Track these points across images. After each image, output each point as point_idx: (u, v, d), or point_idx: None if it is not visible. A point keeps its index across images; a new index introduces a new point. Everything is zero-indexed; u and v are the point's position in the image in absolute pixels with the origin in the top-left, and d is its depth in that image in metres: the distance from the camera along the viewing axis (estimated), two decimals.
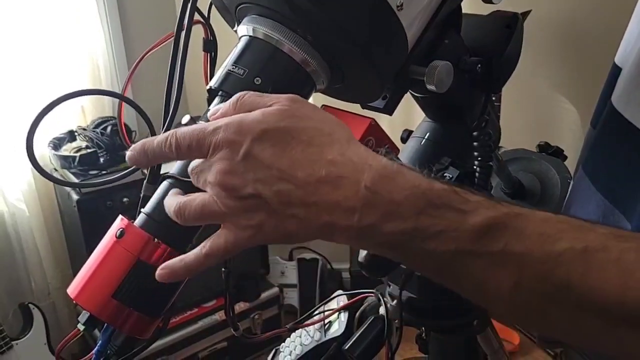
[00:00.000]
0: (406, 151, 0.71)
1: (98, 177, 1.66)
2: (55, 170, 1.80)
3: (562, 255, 0.35)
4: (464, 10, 0.61)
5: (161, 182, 0.48)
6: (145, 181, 0.52)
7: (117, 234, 0.45)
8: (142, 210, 0.48)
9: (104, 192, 1.67)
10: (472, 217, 0.37)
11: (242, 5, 0.50)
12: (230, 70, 0.48)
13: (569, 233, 0.36)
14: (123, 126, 0.55)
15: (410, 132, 0.73)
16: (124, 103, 0.52)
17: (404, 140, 0.73)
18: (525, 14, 1.96)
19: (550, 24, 2.06)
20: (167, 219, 0.47)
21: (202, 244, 0.43)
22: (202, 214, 0.41)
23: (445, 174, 0.68)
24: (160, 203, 0.47)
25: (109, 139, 1.73)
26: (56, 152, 1.76)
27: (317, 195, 0.38)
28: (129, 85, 0.53)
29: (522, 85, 2.06)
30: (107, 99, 2.01)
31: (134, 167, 0.54)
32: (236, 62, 0.48)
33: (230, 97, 0.48)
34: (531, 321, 0.38)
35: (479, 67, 0.62)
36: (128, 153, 0.45)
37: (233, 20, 0.54)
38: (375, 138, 0.45)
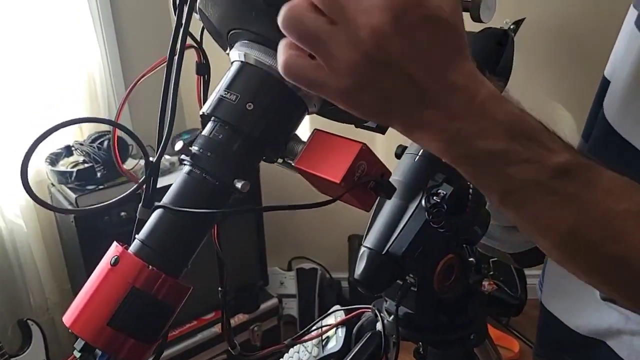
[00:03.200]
0: (400, 167, 0.71)
1: (95, 192, 1.66)
2: (53, 185, 1.81)
3: (620, 213, 0.40)
4: None
5: (154, 210, 0.48)
6: (140, 205, 0.52)
7: (112, 262, 0.46)
8: (136, 236, 0.48)
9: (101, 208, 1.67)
10: (556, 157, 0.40)
11: (233, 31, 0.50)
12: (222, 96, 0.48)
13: (630, 194, 0.41)
14: (117, 152, 0.55)
15: (405, 147, 0.74)
16: (117, 129, 0.52)
17: (398, 156, 0.74)
18: (519, 22, 1.97)
19: (543, 31, 2.07)
20: (162, 245, 0.48)
21: (297, 53, 0.39)
22: (313, 39, 0.37)
23: (439, 191, 0.68)
24: (154, 230, 0.47)
25: (105, 154, 1.73)
26: (53, 168, 1.76)
27: (436, 94, 0.38)
28: (122, 110, 0.53)
29: (517, 91, 2.06)
30: (103, 113, 2.01)
31: (129, 191, 0.54)
32: (228, 88, 0.49)
33: (224, 122, 0.48)
34: (574, 262, 0.44)
35: None
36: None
37: (225, 44, 0.54)
38: (367, 162, 0.45)
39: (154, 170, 0.51)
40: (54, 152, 1.80)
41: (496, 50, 0.66)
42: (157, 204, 0.48)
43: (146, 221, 0.50)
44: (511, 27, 1.95)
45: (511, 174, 0.40)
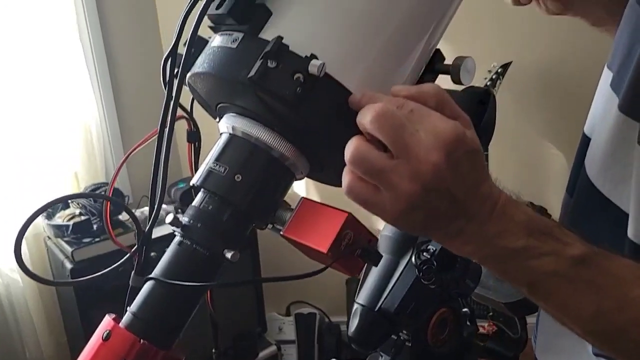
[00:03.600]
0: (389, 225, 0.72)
1: (91, 245, 1.66)
2: (49, 238, 1.81)
3: (635, 299, 0.44)
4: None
5: (146, 281, 0.49)
6: (132, 272, 0.53)
7: (104, 336, 0.46)
8: (128, 308, 0.49)
9: (97, 260, 1.68)
10: (570, 249, 0.45)
11: (221, 105, 0.52)
12: (211, 168, 0.50)
13: None
14: (109, 224, 0.56)
15: None
16: (109, 202, 0.53)
17: None
18: (507, 65, 2.02)
19: (531, 72, 2.11)
20: (153, 318, 0.48)
21: (350, 179, 0.44)
22: (378, 173, 0.43)
23: (428, 247, 0.69)
24: (146, 302, 0.48)
25: (102, 206, 1.74)
26: (49, 222, 1.77)
27: (470, 207, 0.45)
28: (114, 184, 0.54)
29: (508, 132, 2.10)
30: (99, 164, 2.03)
31: (121, 260, 0.55)
32: (217, 160, 0.50)
33: (214, 194, 0.49)
34: (603, 342, 0.48)
35: None
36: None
37: (215, 115, 0.56)
38: (353, 230, 0.46)
39: (145, 240, 0.52)
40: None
41: (479, 109, 0.68)
42: (148, 276, 0.49)
43: (139, 289, 0.51)
44: (499, 70, 2.00)
45: (533, 267, 0.45)
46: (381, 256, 0.49)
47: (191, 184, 0.52)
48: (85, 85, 2.01)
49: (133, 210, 1.81)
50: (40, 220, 1.83)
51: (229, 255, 0.48)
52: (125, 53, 2.12)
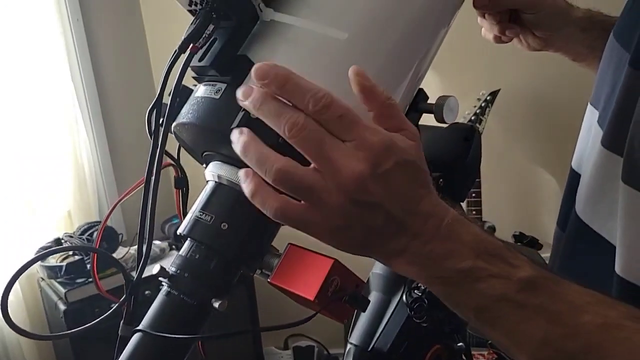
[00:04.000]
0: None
1: (85, 285, 1.65)
2: (42, 279, 1.79)
3: (584, 325, 0.42)
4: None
5: (134, 333, 0.49)
6: (122, 322, 0.53)
7: None
8: None
9: (91, 300, 1.66)
10: (520, 272, 0.43)
11: (206, 153, 0.53)
12: (197, 217, 0.50)
13: (593, 307, 0.42)
14: (97, 277, 0.56)
15: None
16: (96, 255, 0.53)
17: None
18: (495, 93, 2.04)
19: (519, 99, 2.14)
20: None
21: (281, 197, 0.43)
22: (307, 191, 0.41)
23: (419, 284, 0.69)
24: (133, 355, 0.48)
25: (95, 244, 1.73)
26: (42, 263, 1.75)
27: (411, 224, 0.43)
28: (100, 237, 0.54)
29: (500, 158, 2.12)
30: (92, 202, 2.03)
31: (110, 311, 0.55)
32: (203, 209, 0.50)
33: (201, 243, 0.50)
34: None
35: (441, 182, 0.65)
36: (263, 64, 0.41)
37: (201, 161, 0.56)
38: (340, 277, 0.46)
39: (134, 290, 0.52)
40: (44, 246, 1.80)
41: (463, 146, 0.69)
42: (136, 328, 0.49)
43: (129, 337, 0.51)
44: (488, 97, 2.02)
45: (480, 289, 0.43)
46: (368, 302, 0.48)
47: (178, 233, 0.52)
48: (77, 123, 2.02)
49: (126, 248, 1.79)
50: None
51: (216, 304, 0.48)
52: (117, 92, 2.14)
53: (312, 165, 0.42)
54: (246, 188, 0.44)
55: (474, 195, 1.94)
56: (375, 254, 0.46)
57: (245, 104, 0.43)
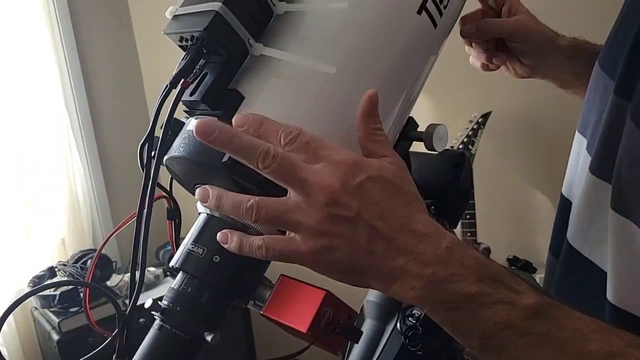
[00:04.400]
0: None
1: (79, 314, 1.63)
2: (36, 309, 1.78)
3: (591, 353, 0.41)
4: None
5: None
6: (114, 356, 0.52)
7: None
8: None
9: (84, 330, 1.65)
10: (524, 298, 0.42)
11: (198, 185, 0.53)
12: (190, 250, 0.50)
13: (597, 334, 0.41)
14: (89, 312, 0.56)
15: None
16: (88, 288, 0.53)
17: None
18: (487, 115, 2.06)
19: (511, 120, 2.16)
20: None
21: (262, 237, 0.45)
22: (281, 217, 0.43)
23: (413, 311, 0.69)
24: None
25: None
26: None
27: (403, 242, 0.42)
28: (92, 271, 0.54)
29: (494, 180, 2.12)
30: (87, 230, 2.02)
31: (102, 345, 0.54)
32: (195, 241, 0.51)
33: (193, 276, 0.50)
34: None
35: (433, 209, 0.65)
36: (242, 114, 0.45)
37: (193, 193, 0.57)
38: (332, 308, 0.46)
39: (126, 323, 0.52)
40: (37, 275, 1.79)
41: (454, 172, 0.69)
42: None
43: None
44: (479, 120, 2.04)
45: (485, 316, 0.42)
46: (361, 333, 0.48)
47: (170, 265, 0.52)
48: (71, 151, 2.03)
49: (121, 275, 1.78)
50: (27, 291, 1.80)
51: (209, 337, 0.48)
52: (112, 120, 2.15)
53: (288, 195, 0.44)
54: (232, 247, 0.46)
55: (468, 217, 1.94)
56: (372, 278, 0.44)
57: (212, 139, 0.44)
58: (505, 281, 0.43)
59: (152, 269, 1.97)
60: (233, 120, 0.45)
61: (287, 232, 0.45)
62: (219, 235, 0.47)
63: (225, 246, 0.46)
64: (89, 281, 0.60)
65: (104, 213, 2.09)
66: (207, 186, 0.47)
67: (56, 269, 1.82)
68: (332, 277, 0.45)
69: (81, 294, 1.71)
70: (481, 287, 0.42)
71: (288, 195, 0.44)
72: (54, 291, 1.71)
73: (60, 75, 2.00)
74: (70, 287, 1.71)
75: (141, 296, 0.50)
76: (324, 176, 0.42)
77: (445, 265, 0.42)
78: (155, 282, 1.90)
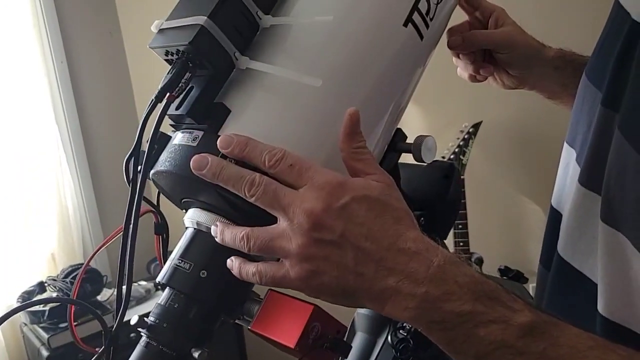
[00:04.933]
0: None
1: (68, 330, 1.61)
2: (25, 325, 1.76)
3: None
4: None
5: None
6: None
7: None
8: None
9: (74, 346, 1.61)
10: (520, 316, 0.41)
11: (185, 200, 0.52)
12: (176, 265, 0.50)
13: (594, 351, 0.41)
14: (74, 329, 0.55)
15: None
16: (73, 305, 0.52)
17: None
18: (477, 125, 2.07)
19: (502, 130, 2.16)
20: None
21: (257, 264, 0.45)
22: (269, 244, 0.43)
23: (404, 324, 0.69)
24: None
25: (79, 288, 1.70)
26: None
27: (393, 262, 0.42)
28: (77, 288, 0.53)
29: (486, 189, 2.13)
30: (77, 244, 2.00)
31: (98, 353, 0.54)
32: (182, 257, 0.50)
33: (180, 292, 0.49)
34: None
35: (422, 220, 0.65)
36: (227, 135, 0.46)
37: (180, 207, 0.56)
38: (320, 323, 0.46)
39: (112, 340, 0.51)
40: (27, 290, 1.77)
41: (443, 183, 0.69)
42: None
43: None
44: (470, 130, 2.05)
45: (481, 336, 0.41)
46: (350, 347, 0.48)
47: (157, 281, 0.51)
48: (61, 165, 2.02)
49: (111, 290, 1.77)
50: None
51: (196, 354, 0.47)
52: (102, 133, 2.14)
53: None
54: (234, 273, 0.47)
55: (460, 227, 1.94)
56: (364, 299, 0.43)
57: (204, 173, 0.45)
58: (501, 298, 0.42)
59: (143, 282, 1.96)
60: (218, 142, 0.45)
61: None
62: (228, 262, 0.48)
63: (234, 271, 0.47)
64: (75, 297, 0.59)
65: (94, 227, 2.08)
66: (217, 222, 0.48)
67: (46, 284, 1.81)
68: (325, 300, 0.45)
69: (79, 308, 1.69)
70: (475, 305, 0.41)
71: (277, 222, 0.44)
72: (43, 307, 1.69)
73: (50, 88, 1.99)
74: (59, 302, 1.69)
75: (133, 310, 0.50)
76: (306, 200, 0.42)
77: (438, 284, 0.41)
78: (147, 296, 1.89)
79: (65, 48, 2.01)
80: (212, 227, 0.48)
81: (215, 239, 0.47)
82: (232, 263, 0.47)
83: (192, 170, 0.45)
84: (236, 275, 0.47)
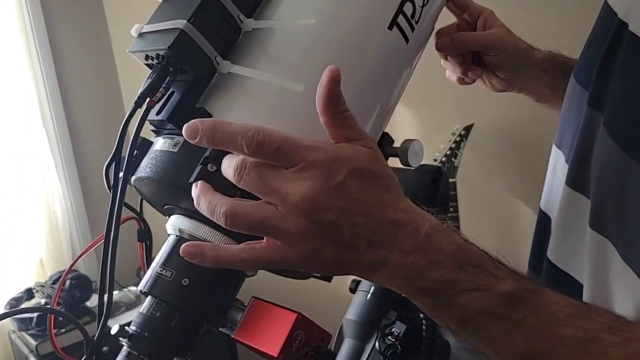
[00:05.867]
0: (353, 306, 0.71)
1: (57, 337, 1.59)
2: (13, 332, 1.74)
3: (565, 339, 0.41)
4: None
5: None
6: None
7: None
8: None
9: (63, 352, 1.60)
10: (502, 284, 0.42)
11: (167, 206, 0.52)
12: (158, 273, 0.49)
13: (573, 320, 0.42)
14: (54, 338, 0.54)
15: (359, 282, 0.74)
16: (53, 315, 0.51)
17: (352, 290, 0.74)
18: (469, 127, 2.07)
19: (493, 132, 2.17)
20: None
21: (242, 247, 0.43)
22: (260, 225, 0.41)
23: (392, 329, 0.68)
24: None
25: (67, 294, 1.69)
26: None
27: (383, 234, 0.42)
28: (57, 297, 0.52)
29: (478, 191, 2.13)
30: (66, 250, 1.99)
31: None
32: (164, 264, 0.49)
33: (161, 300, 0.48)
34: None
35: None
36: (190, 123, 0.41)
37: (163, 213, 0.55)
38: (304, 331, 0.45)
39: (94, 350, 0.50)
40: (15, 296, 1.75)
41: (431, 187, 0.69)
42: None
43: None
44: (462, 132, 2.05)
45: (463, 302, 0.42)
46: (334, 355, 0.47)
47: (138, 290, 0.50)
48: (49, 170, 2.00)
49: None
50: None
51: None
52: (91, 137, 2.12)
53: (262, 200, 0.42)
54: (207, 262, 0.43)
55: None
56: (354, 270, 0.44)
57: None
58: (485, 266, 0.43)
59: (132, 288, 1.94)
60: (183, 132, 0.42)
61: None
62: (183, 250, 0.43)
63: (195, 261, 0.43)
64: (57, 306, 0.58)
65: (83, 233, 2.06)
66: (197, 182, 0.44)
67: (34, 290, 1.79)
68: (314, 272, 0.45)
69: (60, 317, 1.68)
70: (459, 273, 0.42)
71: (263, 200, 0.42)
72: (31, 313, 1.67)
73: (37, 92, 1.97)
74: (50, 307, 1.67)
75: (122, 316, 0.49)
76: (300, 182, 0.40)
77: (424, 253, 0.42)
78: (136, 302, 1.87)
79: (52, 51, 1.99)
80: (193, 189, 0.44)
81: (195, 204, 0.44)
82: (198, 251, 0.43)
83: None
84: (211, 264, 0.43)
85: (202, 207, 0.43)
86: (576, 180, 0.56)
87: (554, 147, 0.65)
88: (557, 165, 0.63)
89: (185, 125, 0.42)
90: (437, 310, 0.44)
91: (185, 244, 0.43)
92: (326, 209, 0.40)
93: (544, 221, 0.64)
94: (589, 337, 0.41)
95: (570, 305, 0.43)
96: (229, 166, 0.42)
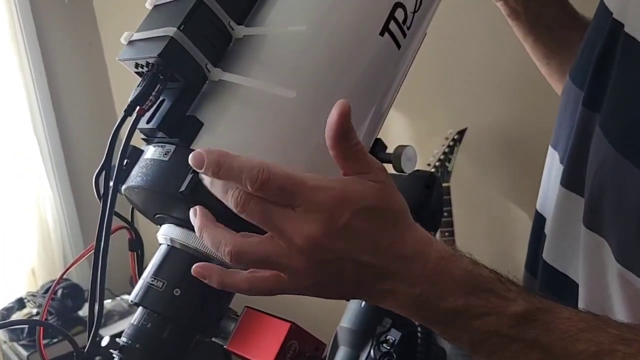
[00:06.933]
0: (348, 314, 0.70)
1: (48, 347, 1.57)
2: (4, 342, 1.72)
3: (579, 354, 0.41)
4: None
5: None
6: None
7: None
8: None
9: None
10: (513, 306, 0.42)
11: (159, 215, 0.51)
12: (149, 284, 0.48)
13: (586, 334, 0.42)
14: (44, 351, 0.53)
15: None
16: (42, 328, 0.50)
17: None
18: (462, 131, 2.07)
19: (486, 136, 2.17)
20: None
21: (247, 276, 0.43)
22: (265, 261, 0.41)
23: (387, 337, 0.68)
24: None
25: (59, 303, 1.67)
26: None
27: (390, 268, 0.42)
28: (46, 309, 0.51)
29: (472, 195, 2.13)
30: (57, 259, 1.97)
31: None
32: (155, 274, 0.49)
33: (152, 311, 0.48)
34: None
35: None
36: (197, 153, 0.41)
37: (154, 222, 0.55)
38: (298, 340, 0.45)
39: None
40: (6, 307, 1.74)
41: (424, 193, 0.69)
42: None
43: None
44: (455, 136, 2.05)
45: (475, 326, 0.42)
46: None
47: (129, 301, 0.50)
48: (41, 178, 1.99)
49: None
50: None
51: None
52: (83, 144, 2.11)
53: (267, 234, 0.42)
54: (213, 285, 0.44)
55: (447, 234, 1.94)
56: (362, 298, 0.46)
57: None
58: (494, 289, 0.43)
59: (126, 296, 1.93)
60: (189, 159, 0.42)
61: None
62: (195, 269, 0.44)
63: (205, 281, 0.44)
64: (45, 317, 0.57)
65: (75, 242, 2.04)
66: (197, 208, 0.44)
67: (25, 300, 1.77)
68: (319, 297, 0.45)
69: (49, 329, 1.66)
70: (469, 299, 0.42)
71: (268, 235, 0.42)
72: None
73: (29, 100, 1.96)
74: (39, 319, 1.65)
75: (116, 325, 0.48)
76: (304, 224, 0.40)
77: (433, 283, 0.42)
78: (130, 310, 1.85)
79: (43, 58, 1.98)
80: (191, 216, 0.44)
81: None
82: (206, 273, 0.44)
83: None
84: (217, 287, 0.44)
85: (206, 242, 0.43)
86: (571, 180, 0.56)
87: (550, 148, 0.65)
88: (553, 167, 0.63)
89: (191, 155, 0.41)
90: (450, 334, 0.45)
91: (196, 264, 0.44)
92: (331, 250, 0.41)
93: (539, 222, 0.64)
94: (603, 350, 0.41)
95: (582, 319, 0.43)
96: (225, 193, 0.42)
